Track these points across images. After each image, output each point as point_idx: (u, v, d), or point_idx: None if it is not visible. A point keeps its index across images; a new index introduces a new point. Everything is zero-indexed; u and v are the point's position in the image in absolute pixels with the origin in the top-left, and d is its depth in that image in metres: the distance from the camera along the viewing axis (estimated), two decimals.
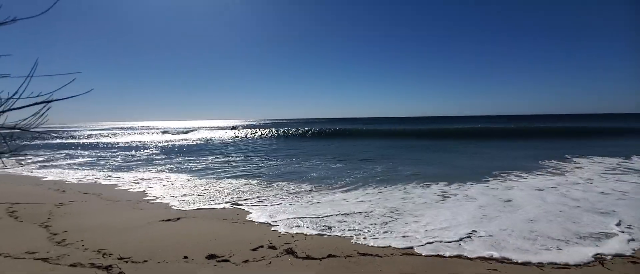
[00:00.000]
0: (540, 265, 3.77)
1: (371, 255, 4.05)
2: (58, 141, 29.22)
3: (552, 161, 11.80)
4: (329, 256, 4.04)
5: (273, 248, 4.31)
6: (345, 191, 7.65)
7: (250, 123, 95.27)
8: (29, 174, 11.06)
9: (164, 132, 35.28)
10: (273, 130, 30.90)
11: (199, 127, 51.29)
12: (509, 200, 6.64)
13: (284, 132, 30.06)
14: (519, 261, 3.87)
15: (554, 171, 9.88)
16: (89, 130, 47.10)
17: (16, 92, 1.45)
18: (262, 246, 4.35)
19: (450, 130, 28.41)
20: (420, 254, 4.07)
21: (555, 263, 3.82)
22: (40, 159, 15.75)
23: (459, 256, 4.01)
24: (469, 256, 4.01)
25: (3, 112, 1.49)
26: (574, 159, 12.27)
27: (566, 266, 3.77)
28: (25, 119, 1.51)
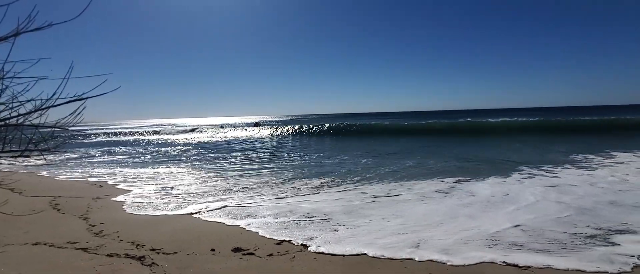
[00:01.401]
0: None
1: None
2: (93, 140, 30.93)
3: (589, 155, 11.14)
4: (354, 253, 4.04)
5: (297, 243, 4.37)
6: (364, 186, 7.62)
7: (271, 119, 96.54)
8: (68, 169, 11.78)
9: (191, 130, 36.41)
10: (296, 127, 30.76)
11: (223, 124, 52.57)
12: (507, 194, 6.46)
13: (307, 128, 29.93)
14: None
15: (585, 166, 9.39)
16: (120, 128, 49.52)
17: (55, 93, 1.54)
18: (286, 241, 4.42)
19: (484, 124, 26.66)
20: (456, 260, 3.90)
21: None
22: (77, 155, 16.75)
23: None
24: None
25: (44, 108, 1.59)
26: (613, 153, 11.51)
27: None
28: (64, 118, 1.61)
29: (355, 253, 3.99)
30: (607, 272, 3.42)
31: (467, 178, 8.10)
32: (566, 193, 6.55)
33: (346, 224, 5.05)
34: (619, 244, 4.06)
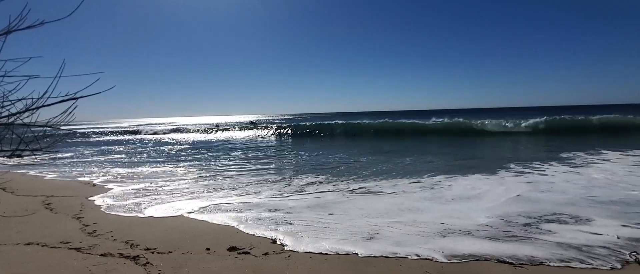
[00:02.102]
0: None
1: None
2: (86, 139, 30.59)
3: (579, 153, 11.32)
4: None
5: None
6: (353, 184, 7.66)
7: (268, 117, 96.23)
8: (60, 169, 11.66)
9: (184, 129, 36.12)
10: (294, 125, 30.19)
11: (219, 123, 52.28)
12: (480, 190, 6.71)
13: (306, 126, 29.40)
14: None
15: (572, 163, 9.56)
16: (114, 127, 49.01)
17: (46, 92, 1.52)
18: (281, 240, 4.42)
19: (485, 124, 26.46)
20: (443, 259, 3.99)
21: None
22: (69, 155, 16.58)
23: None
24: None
25: (35, 108, 1.58)
26: (604, 151, 11.65)
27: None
28: (55, 117, 1.59)
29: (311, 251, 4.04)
30: (598, 269, 3.48)
31: (454, 175, 8.26)
32: (542, 190, 6.70)
33: (304, 218, 5.25)
34: (600, 236, 4.12)
